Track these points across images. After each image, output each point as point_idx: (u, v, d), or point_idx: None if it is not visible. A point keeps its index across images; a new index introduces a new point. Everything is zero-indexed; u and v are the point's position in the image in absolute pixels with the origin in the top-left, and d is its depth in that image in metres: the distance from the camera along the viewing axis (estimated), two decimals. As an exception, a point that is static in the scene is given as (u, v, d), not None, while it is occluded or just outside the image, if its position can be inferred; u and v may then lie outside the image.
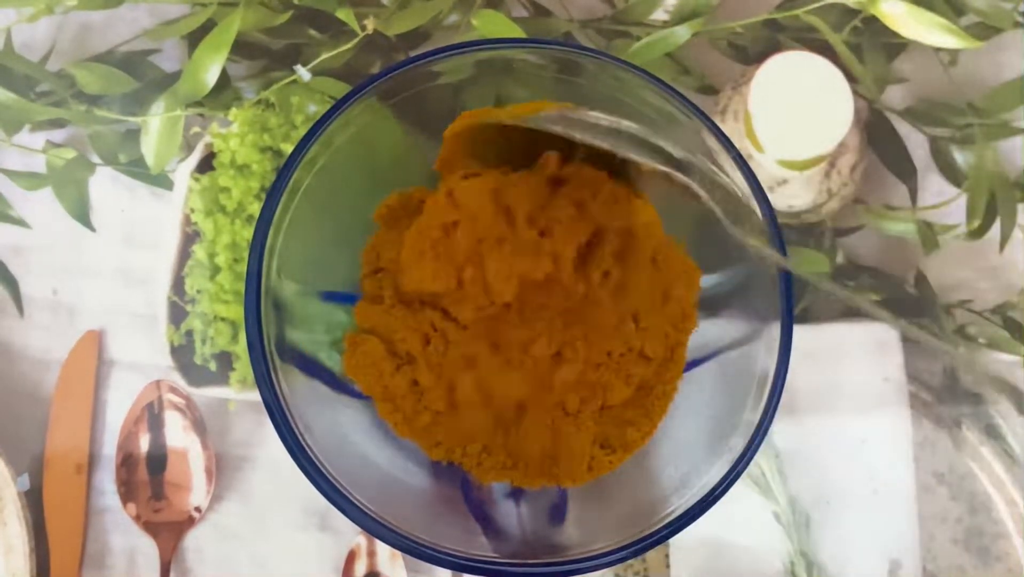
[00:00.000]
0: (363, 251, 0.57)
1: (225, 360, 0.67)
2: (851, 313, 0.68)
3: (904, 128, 0.70)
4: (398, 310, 0.54)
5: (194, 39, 0.70)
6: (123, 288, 0.68)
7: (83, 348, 0.67)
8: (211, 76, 0.68)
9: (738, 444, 0.54)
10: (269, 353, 0.54)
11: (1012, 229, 0.69)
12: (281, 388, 0.54)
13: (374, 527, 0.53)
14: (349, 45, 0.70)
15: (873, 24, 0.70)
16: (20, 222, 0.69)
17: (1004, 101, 0.71)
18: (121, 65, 0.70)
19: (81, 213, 0.69)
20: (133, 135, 0.69)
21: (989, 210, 0.69)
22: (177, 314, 0.67)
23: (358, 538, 0.65)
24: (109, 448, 0.66)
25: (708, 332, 0.57)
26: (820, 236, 0.69)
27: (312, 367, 0.56)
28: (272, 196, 0.55)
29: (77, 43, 0.71)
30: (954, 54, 0.71)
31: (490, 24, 0.70)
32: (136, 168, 0.69)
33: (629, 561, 0.55)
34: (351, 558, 0.65)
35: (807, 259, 0.68)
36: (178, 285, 0.68)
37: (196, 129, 0.69)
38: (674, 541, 0.65)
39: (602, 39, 0.71)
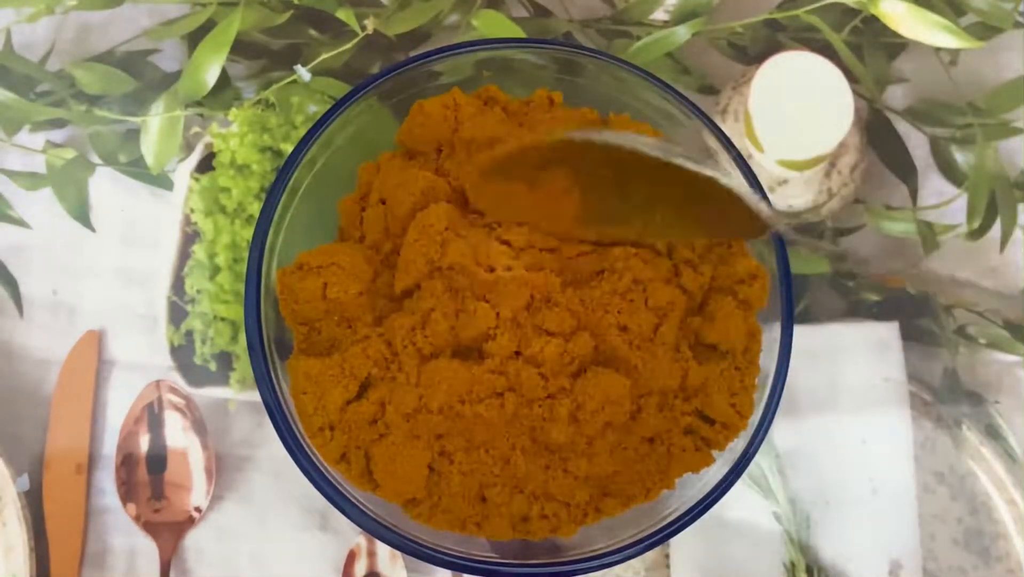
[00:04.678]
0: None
1: (225, 360, 0.67)
2: (851, 313, 0.68)
3: (904, 128, 0.71)
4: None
5: (194, 39, 0.70)
6: (123, 288, 0.68)
7: (83, 348, 0.67)
8: (211, 76, 0.68)
9: (738, 444, 0.54)
10: (269, 353, 0.55)
11: (1012, 229, 0.69)
12: (281, 388, 0.54)
13: (374, 527, 0.53)
14: (349, 45, 0.70)
15: (873, 24, 0.70)
16: (20, 222, 0.69)
17: (1004, 101, 0.71)
18: (121, 65, 0.70)
19: (81, 213, 0.69)
20: (133, 135, 0.70)
21: (989, 210, 0.69)
22: (177, 314, 0.67)
23: (358, 538, 0.65)
24: (109, 448, 0.66)
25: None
26: (820, 236, 0.69)
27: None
28: (272, 196, 0.55)
29: (77, 43, 0.71)
30: (954, 54, 0.71)
31: (490, 24, 0.70)
32: (136, 168, 0.69)
33: (629, 561, 0.56)
34: (351, 558, 0.65)
35: (807, 259, 0.68)
36: (178, 285, 0.68)
37: (196, 129, 0.69)
38: (674, 541, 0.65)
39: (602, 39, 0.71)
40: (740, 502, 0.65)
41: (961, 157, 0.70)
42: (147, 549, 0.65)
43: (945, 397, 0.67)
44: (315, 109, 0.68)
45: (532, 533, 0.53)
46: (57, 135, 0.70)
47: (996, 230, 0.69)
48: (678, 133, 0.58)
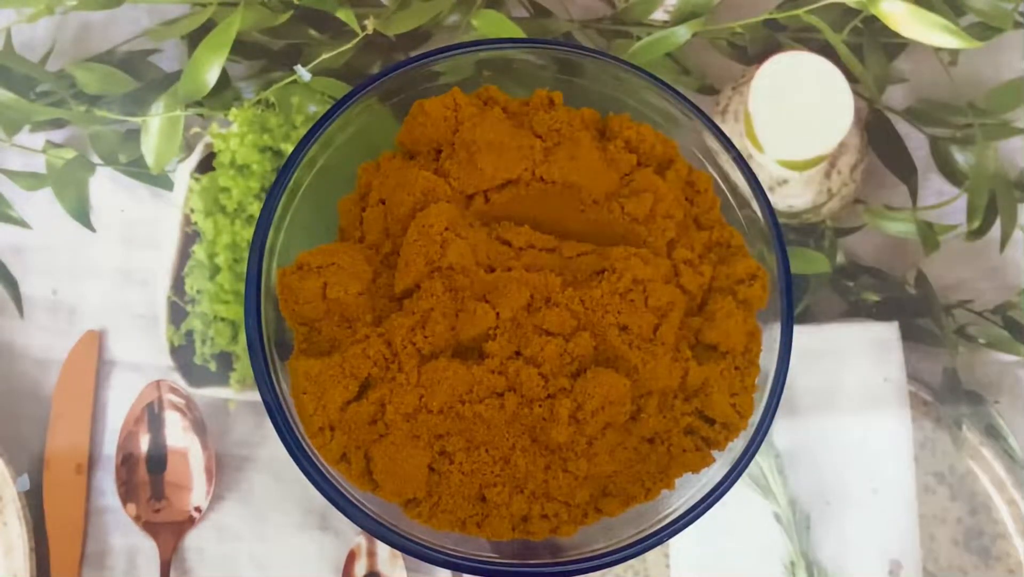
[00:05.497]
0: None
1: (225, 360, 0.67)
2: (851, 313, 0.68)
3: (904, 128, 0.70)
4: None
5: (194, 39, 0.70)
6: (123, 288, 0.68)
7: (83, 348, 0.67)
8: (211, 76, 0.68)
9: (738, 444, 0.54)
10: (269, 353, 0.55)
11: (1012, 229, 0.69)
12: (281, 388, 0.54)
13: (374, 527, 0.53)
14: (349, 45, 0.70)
15: (873, 24, 0.70)
16: (20, 222, 0.69)
17: (1004, 101, 0.71)
18: (121, 65, 0.70)
19: (81, 213, 0.69)
20: (133, 135, 0.70)
21: (989, 210, 0.69)
22: (177, 314, 0.67)
23: (358, 538, 0.65)
24: (109, 448, 0.66)
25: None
26: (820, 236, 0.69)
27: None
28: (272, 196, 0.55)
29: (77, 43, 0.71)
30: (954, 54, 0.71)
31: (490, 24, 0.70)
32: (136, 168, 0.69)
33: (629, 561, 0.56)
34: (351, 558, 0.65)
35: (807, 259, 0.68)
36: (178, 285, 0.68)
37: (196, 129, 0.69)
38: (674, 541, 0.65)
39: (602, 39, 0.71)
40: (740, 502, 0.65)
41: (961, 157, 0.70)
42: (147, 549, 0.65)
43: (945, 397, 0.67)
44: (315, 109, 0.68)
45: (532, 533, 0.53)
46: (57, 135, 0.70)
47: (996, 230, 0.69)
48: (678, 133, 0.58)
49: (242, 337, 0.66)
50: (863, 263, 0.69)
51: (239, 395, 0.66)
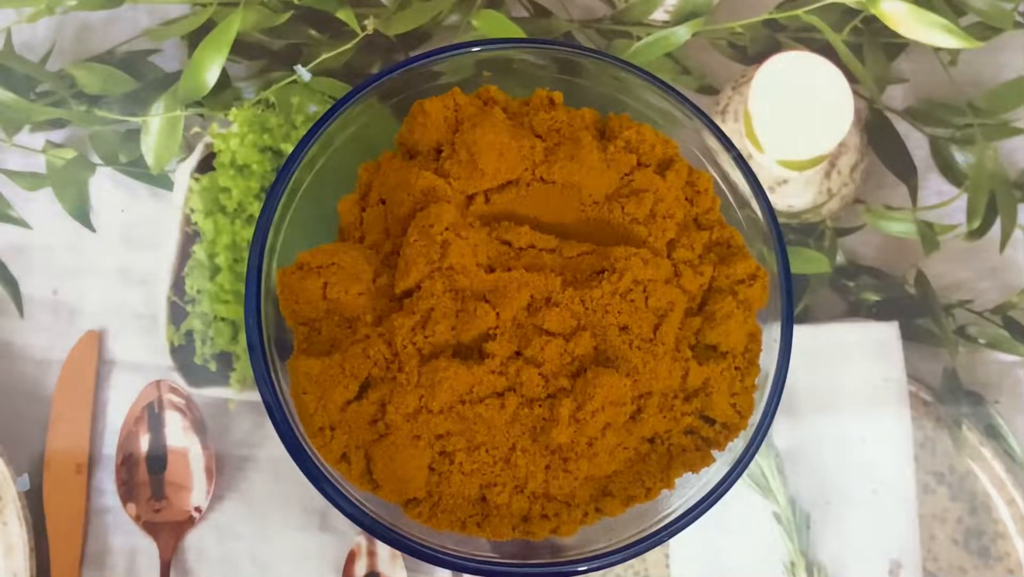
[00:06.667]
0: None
1: (225, 360, 0.67)
2: (851, 313, 0.68)
3: (904, 128, 0.71)
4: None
5: (194, 39, 0.70)
6: (123, 288, 0.68)
7: (83, 348, 0.67)
8: (211, 76, 0.68)
9: (738, 444, 0.54)
10: (269, 353, 0.55)
11: (1012, 229, 0.69)
12: (281, 388, 0.54)
13: (374, 527, 0.53)
14: (349, 45, 0.70)
15: (873, 24, 0.70)
16: (20, 222, 0.69)
17: (1004, 101, 0.71)
18: (121, 65, 0.70)
19: (81, 213, 0.69)
20: (133, 135, 0.70)
21: (989, 210, 0.69)
22: (177, 314, 0.67)
23: (358, 538, 0.65)
24: (109, 448, 0.66)
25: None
26: (820, 236, 0.69)
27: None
28: (272, 196, 0.55)
29: (77, 43, 0.71)
30: (954, 54, 0.71)
31: (490, 24, 0.70)
32: (136, 168, 0.69)
33: (629, 561, 0.56)
34: (351, 558, 0.65)
35: (807, 259, 0.68)
36: (178, 285, 0.68)
37: (196, 129, 0.70)
38: (674, 541, 0.65)
39: (602, 39, 0.71)
40: (740, 502, 0.65)
41: (961, 157, 0.70)
42: (147, 549, 0.65)
43: (945, 397, 0.67)
44: (315, 109, 0.68)
45: (532, 533, 0.53)
46: (57, 135, 0.70)
47: (996, 230, 0.69)
48: (678, 133, 0.58)
49: (242, 337, 0.66)
50: (863, 263, 0.69)
51: (239, 395, 0.66)
